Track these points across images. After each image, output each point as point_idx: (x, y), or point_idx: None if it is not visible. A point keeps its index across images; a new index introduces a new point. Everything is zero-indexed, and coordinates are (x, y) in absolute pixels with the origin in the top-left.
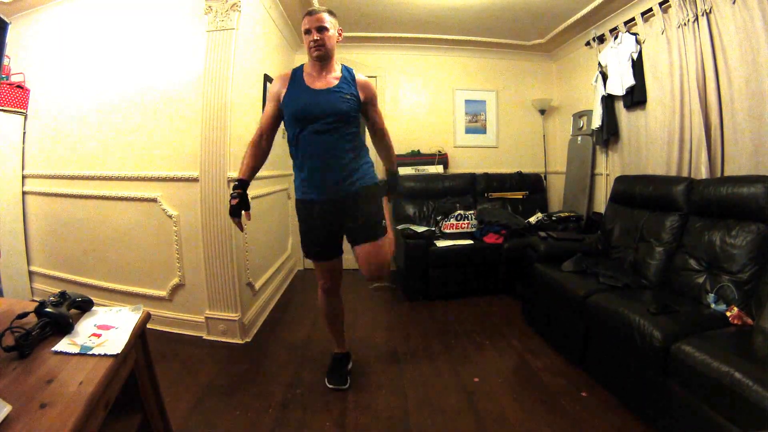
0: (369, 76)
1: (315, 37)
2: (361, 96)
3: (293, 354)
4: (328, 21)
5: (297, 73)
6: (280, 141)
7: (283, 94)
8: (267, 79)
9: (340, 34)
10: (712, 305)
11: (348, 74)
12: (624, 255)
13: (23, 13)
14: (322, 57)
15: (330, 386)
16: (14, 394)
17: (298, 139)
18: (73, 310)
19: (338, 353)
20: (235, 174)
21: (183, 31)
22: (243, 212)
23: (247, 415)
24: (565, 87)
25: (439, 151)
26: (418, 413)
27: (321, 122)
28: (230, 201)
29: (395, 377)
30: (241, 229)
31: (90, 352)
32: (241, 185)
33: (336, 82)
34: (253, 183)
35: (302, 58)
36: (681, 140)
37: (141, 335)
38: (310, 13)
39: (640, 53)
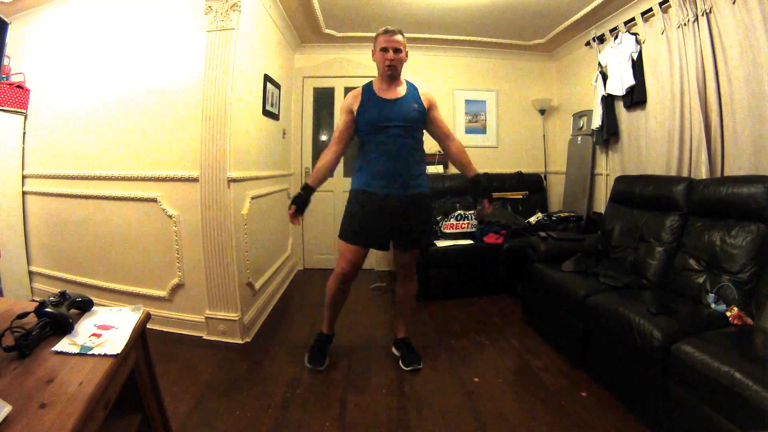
0: (369, 77)
1: (391, 57)
2: (425, 103)
3: (293, 354)
4: (403, 43)
5: (368, 88)
6: (281, 141)
7: (356, 107)
8: (267, 79)
9: (406, 54)
10: (712, 305)
11: (412, 87)
12: (624, 255)
13: (23, 13)
14: (394, 76)
15: (308, 365)
16: (14, 394)
17: (376, 140)
18: (73, 310)
19: (326, 334)
20: (234, 174)
21: (183, 31)
22: (296, 213)
23: (247, 415)
24: (565, 87)
25: (439, 151)
26: (418, 413)
27: (396, 128)
28: (293, 201)
29: (395, 377)
30: (294, 222)
31: (90, 352)
32: (305, 190)
33: (404, 92)
34: (253, 183)
35: (301, 58)
36: (681, 140)
37: (141, 335)
38: (389, 32)
39: (640, 53)
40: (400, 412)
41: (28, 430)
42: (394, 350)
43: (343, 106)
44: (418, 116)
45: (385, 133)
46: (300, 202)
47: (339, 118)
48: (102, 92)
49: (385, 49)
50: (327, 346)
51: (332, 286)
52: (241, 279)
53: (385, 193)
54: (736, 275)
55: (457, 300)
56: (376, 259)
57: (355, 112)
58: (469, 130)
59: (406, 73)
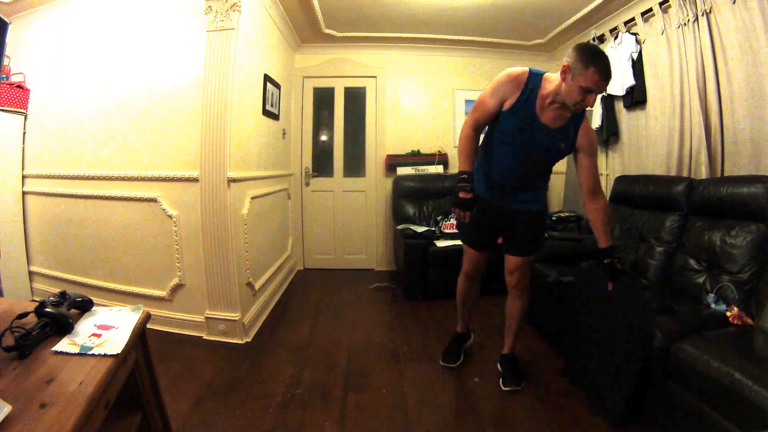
0: (369, 77)
1: (591, 104)
2: (578, 141)
3: (293, 354)
4: None
5: (532, 87)
6: (281, 141)
7: (510, 102)
8: (267, 79)
9: None
10: (712, 305)
11: (575, 118)
12: (624, 255)
13: (23, 13)
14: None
15: (441, 363)
16: (14, 394)
17: (501, 150)
18: (73, 310)
19: (457, 333)
20: (234, 174)
21: (183, 31)
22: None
23: (247, 415)
24: None
25: (439, 151)
26: (418, 413)
27: (530, 158)
28: (460, 194)
29: (395, 377)
30: (465, 221)
31: (90, 352)
32: (470, 178)
33: (562, 123)
34: (253, 183)
35: (301, 58)
36: (681, 140)
37: (141, 335)
38: (604, 77)
39: (640, 53)
40: (400, 412)
41: (28, 430)
42: (499, 366)
43: (498, 88)
44: (560, 158)
45: (520, 156)
46: (473, 202)
47: (486, 98)
48: (102, 92)
49: (589, 91)
50: (461, 345)
51: (459, 283)
52: (241, 279)
53: (486, 198)
54: (736, 275)
55: None
56: (376, 260)
57: (504, 107)
58: None
59: (405, 73)
